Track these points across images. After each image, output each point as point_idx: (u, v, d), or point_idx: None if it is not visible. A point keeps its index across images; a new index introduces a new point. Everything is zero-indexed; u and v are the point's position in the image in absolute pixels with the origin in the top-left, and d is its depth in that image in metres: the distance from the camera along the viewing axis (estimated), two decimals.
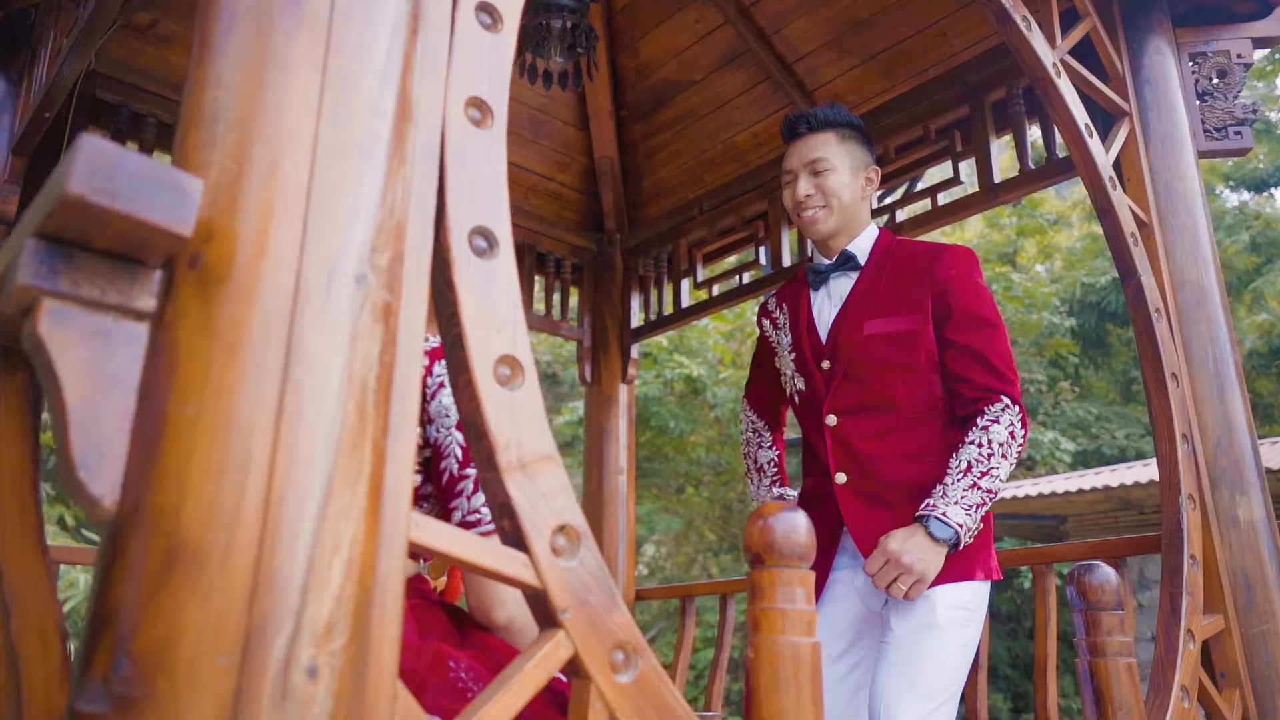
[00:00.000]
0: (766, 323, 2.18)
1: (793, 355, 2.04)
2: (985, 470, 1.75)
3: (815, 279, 2.05)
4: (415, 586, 1.05)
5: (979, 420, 1.81)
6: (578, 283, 3.83)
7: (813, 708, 1.01)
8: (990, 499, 1.76)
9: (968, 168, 2.77)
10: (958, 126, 2.79)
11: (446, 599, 1.30)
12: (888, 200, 2.97)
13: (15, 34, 2.57)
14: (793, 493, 2.18)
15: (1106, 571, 1.55)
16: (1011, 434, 1.79)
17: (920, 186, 2.92)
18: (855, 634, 1.91)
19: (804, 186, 1.97)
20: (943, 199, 2.80)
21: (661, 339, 12.51)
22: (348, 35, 0.76)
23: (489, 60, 0.96)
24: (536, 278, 3.71)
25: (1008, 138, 2.71)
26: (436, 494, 1.05)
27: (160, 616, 0.60)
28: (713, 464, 12.96)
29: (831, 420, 1.93)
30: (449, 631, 1.00)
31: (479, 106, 0.94)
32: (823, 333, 2.00)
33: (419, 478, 1.04)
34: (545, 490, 0.87)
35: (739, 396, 10.39)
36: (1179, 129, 2.25)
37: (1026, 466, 12.76)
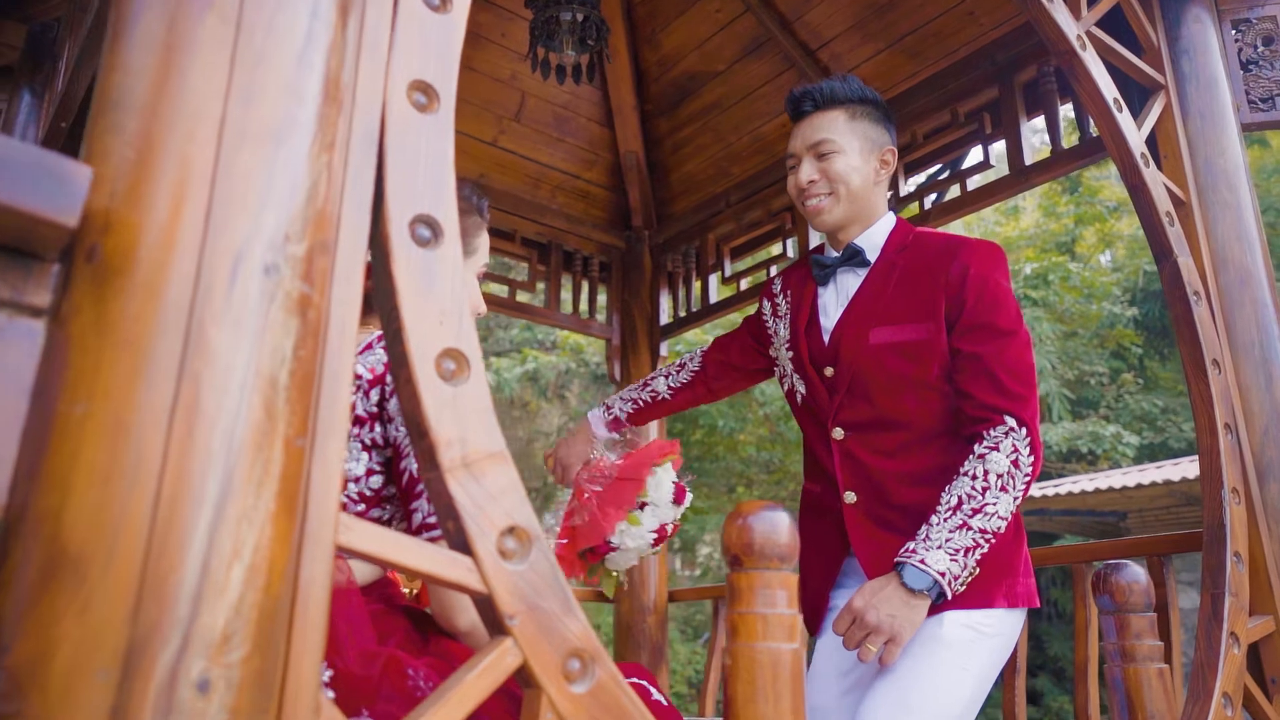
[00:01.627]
0: (767, 305, 1.99)
1: (790, 354, 1.85)
2: (978, 507, 1.52)
3: (821, 274, 1.85)
4: (380, 591, 1.02)
5: (977, 446, 1.59)
6: (606, 281, 3.79)
7: (793, 717, 0.95)
8: (986, 540, 1.52)
9: (996, 158, 2.67)
10: (987, 109, 2.69)
11: (421, 604, 1.27)
12: (915, 187, 2.88)
13: (40, 47, 2.61)
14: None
15: (1135, 571, 1.46)
16: (1015, 463, 1.55)
17: (945, 176, 2.82)
18: (860, 667, 1.72)
19: (807, 171, 1.77)
20: (973, 183, 2.69)
21: (708, 338, 12.42)
22: (259, 16, 0.72)
23: (436, 42, 0.92)
24: (564, 276, 3.68)
25: (1039, 120, 2.59)
26: (399, 495, 1.02)
27: (38, 628, 0.57)
28: (764, 463, 12.84)
29: (839, 434, 1.74)
30: (410, 638, 0.96)
31: (424, 90, 0.90)
32: (826, 335, 1.80)
33: (380, 479, 1.01)
34: (492, 490, 0.83)
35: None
36: (1220, 101, 2.13)
37: (1088, 461, 12.40)
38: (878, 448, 1.71)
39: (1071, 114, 2.50)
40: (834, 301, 1.83)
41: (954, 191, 2.75)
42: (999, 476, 1.54)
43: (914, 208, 2.89)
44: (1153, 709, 1.38)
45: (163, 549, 0.59)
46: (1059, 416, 12.50)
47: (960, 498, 1.54)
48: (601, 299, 3.78)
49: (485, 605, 0.81)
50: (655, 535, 1.70)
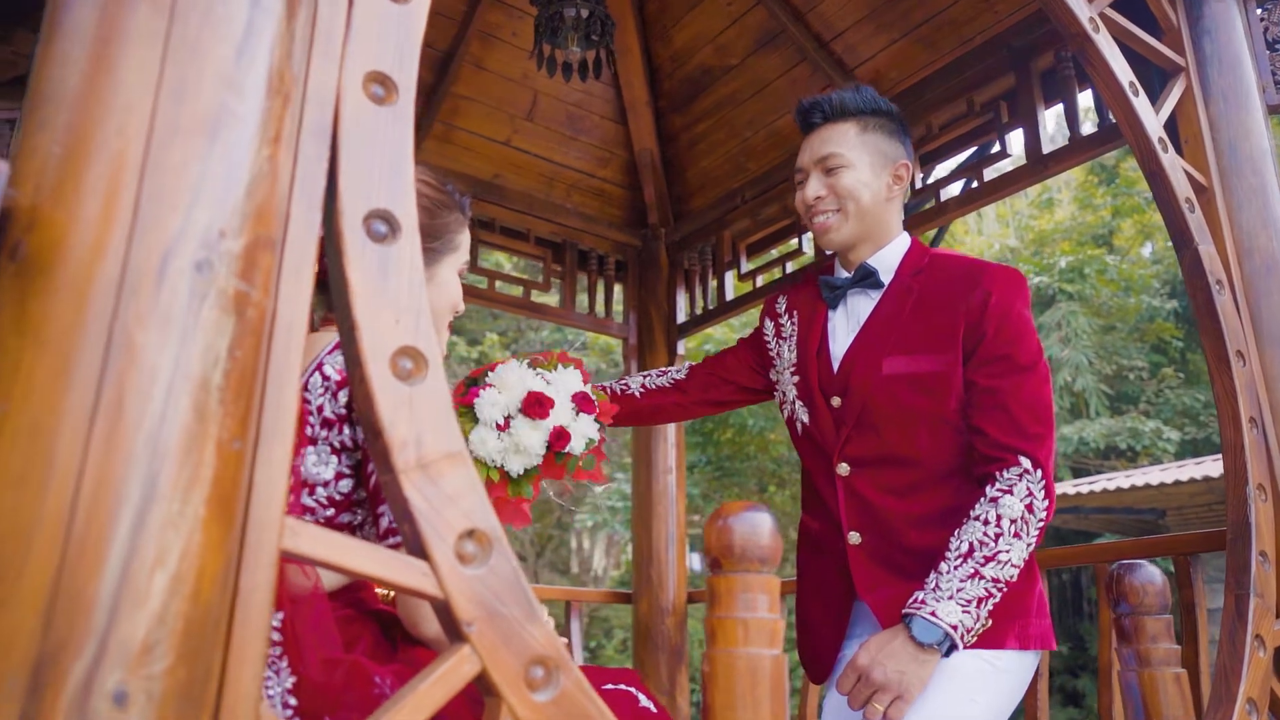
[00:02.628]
0: (769, 325, 1.86)
1: (795, 379, 1.74)
2: (991, 555, 1.43)
3: (831, 295, 1.73)
4: (350, 596, 1.00)
5: (989, 489, 1.49)
6: (622, 279, 3.76)
7: None
8: (999, 589, 1.43)
9: (1013, 148, 2.60)
10: (1004, 98, 2.62)
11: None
12: (931, 180, 2.82)
13: None
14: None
15: (1150, 571, 1.40)
16: (1029, 507, 1.46)
17: (962, 167, 2.75)
18: None
19: (814, 187, 1.67)
20: (990, 173, 2.62)
21: (736, 335, 12.35)
22: (194, 6, 0.70)
23: (395, 33, 0.90)
24: (580, 276, 3.66)
25: (1060, 110, 2.52)
26: (368, 499, 1.00)
27: None
28: (795, 462, 12.74)
29: (844, 469, 1.64)
30: (379, 645, 0.94)
31: (382, 83, 0.87)
32: (835, 363, 1.69)
33: (350, 482, 0.99)
34: (450, 492, 0.80)
35: None
36: (1244, 83, 2.05)
37: (1127, 458, 12.16)
38: (886, 486, 1.60)
39: (1091, 102, 2.43)
40: (844, 326, 1.73)
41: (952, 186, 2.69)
42: (1012, 522, 1.45)
43: (928, 201, 2.82)
44: (1169, 715, 1.32)
45: (79, 556, 0.57)
46: (1096, 412, 12.28)
47: (972, 544, 1.45)
48: (618, 298, 3.76)
49: (442, 611, 0.79)
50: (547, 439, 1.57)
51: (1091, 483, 8.34)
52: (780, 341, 1.81)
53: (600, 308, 3.68)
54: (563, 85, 3.36)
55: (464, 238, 1.28)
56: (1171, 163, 1.86)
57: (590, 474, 1.66)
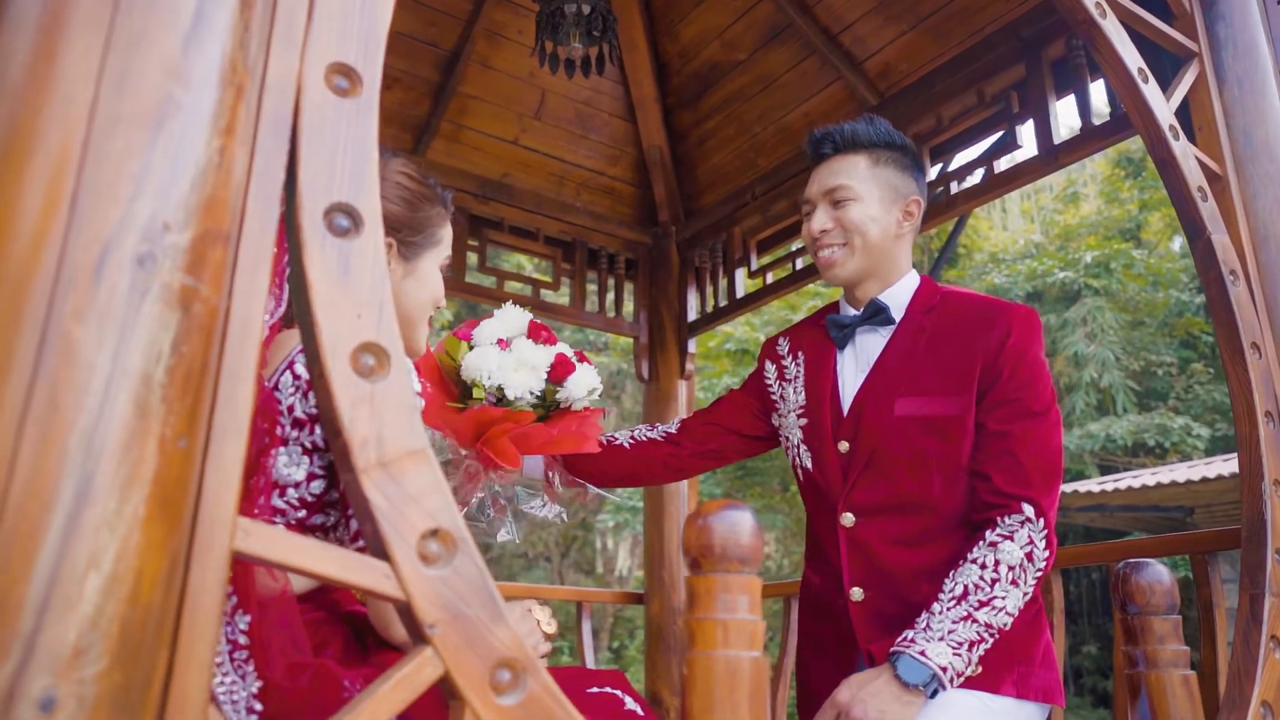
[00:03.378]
0: (771, 368, 1.78)
1: (802, 422, 1.66)
2: (986, 600, 1.39)
3: (839, 335, 1.67)
4: (322, 598, 0.98)
5: (988, 533, 1.44)
6: (633, 278, 3.74)
7: None
8: (991, 635, 1.39)
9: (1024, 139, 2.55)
10: (1015, 88, 2.57)
11: None
12: (942, 172, 2.77)
13: None
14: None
15: (1157, 570, 1.36)
16: (1029, 555, 1.42)
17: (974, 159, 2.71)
18: None
19: (820, 219, 1.62)
20: (1001, 165, 2.58)
21: (759, 334, 12.29)
22: None
23: (359, 23, 0.88)
24: (590, 274, 3.64)
25: (1072, 101, 2.47)
26: (340, 500, 0.98)
27: None
28: None
29: (848, 520, 1.56)
30: (350, 648, 0.93)
31: (346, 74, 0.86)
32: (845, 404, 1.62)
33: (322, 483, 0.98)
34: (412, 491, 0.79)
35: None
36: (1260, 67, 1.99)
37: (1156, 455, 11.98)
38: (893, 536, 1.54)
39: (1104, 90, 2.38)
40: (853, 366, 1.66)
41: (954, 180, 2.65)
42: (1010, 569, 1.41)
43: (938, 192, 2.78)
44: (1177, 718, 1.28)
45: (5, 558, 0.55)
46: (1124, 409, 12.12)
47: (967, 587, 1.41)
48: (629, 297, 3.74)
49: (404, 613, 0.77)
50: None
51: (1117, 480, 8.22)
52: (784, 384, 1.74)
53: (610, 306, 3.66)
54: (571, 83, 3.34)
55: (446, 232, 1.27)
56: (1183, 151, 1.81)
57: (588, 432, 1.63)
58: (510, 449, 1.51)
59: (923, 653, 1.35)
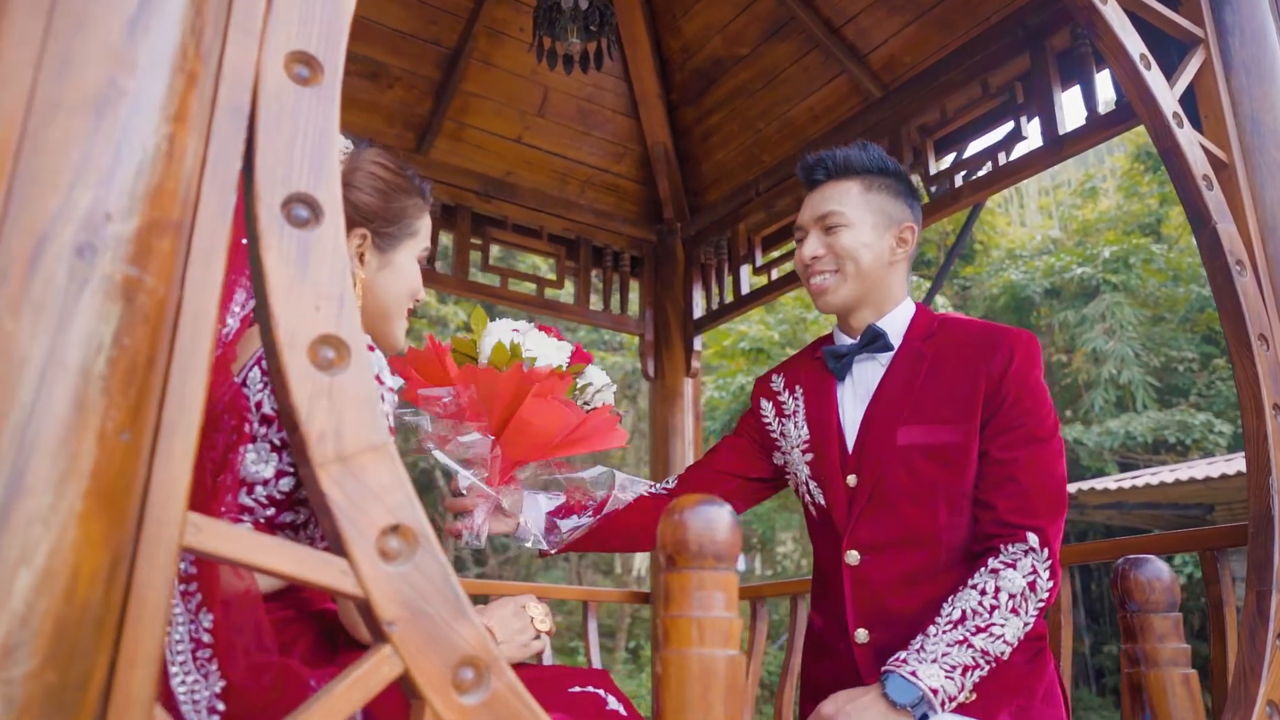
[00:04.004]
0: (768, 406, 1.73)
1: (808, 458, 1.61)
2: (984, 626, 1.35)
3: (837, 365, 1.63)
4: (292, 597, 0.97)
5: (990, 560, 1.41)
6: (638, 275, 3.72)
7: None
8: (987, 662, 1.35)
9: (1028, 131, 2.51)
10: (1019, 79, 2.53)
11: None
12: (946, 166, 2.74)
13: None
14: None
15: (1157, 566, 1.32)
16: (1031, 585, 1.38)
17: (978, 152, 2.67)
18: None
19: (812, 245, 1.59)
20: (1002, 157, 2.54)
21: (774, 332, 12.23)
22: None
23: (321, 11, 0.86)
24: (595, 272, 3.63)
25: (1077, 93, 2.43)
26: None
27: None
28: None
29: (853, 558, 1.51)
30: (317, 647, 0.91)
31: (307, 63, 0.84)
32: (850, 436, 1.58)
33: (292, 480, 0.96)
34: (372, 486, 0.77)
35: None
36: (1268, 53, 1.95)
37: (1177, 452, 11.84)
38: (898, 574, 1.49)
39: (1110, 81, 2.34)
40: (852, 397, 1.62)
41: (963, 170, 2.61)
42: (1011, 596, 1.37)
43: (940, 187, 2.74)
44: (1178, 717, 1.25)
45: None
46: (1144, 405, 11.99)
47: (965, 612, 1.37)
48: (634, 294, 3.72)
49: (363, 610, 0.75)
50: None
51: (1135, 477, 8.12)
52: (783, 420, 1.69)
53: (616, 304, 3.64)
54: (573, 80, 3.33)
55: (423, 223, 1.25)
56: (1188, 139, 1.77)
57: (606, 428, 1.58)
58: (560, 410, 1.46)
59: (914, 673, 1.32)
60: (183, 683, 0.79)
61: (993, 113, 2.61)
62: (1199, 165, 1.77)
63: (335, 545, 0.75)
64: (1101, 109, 2.34)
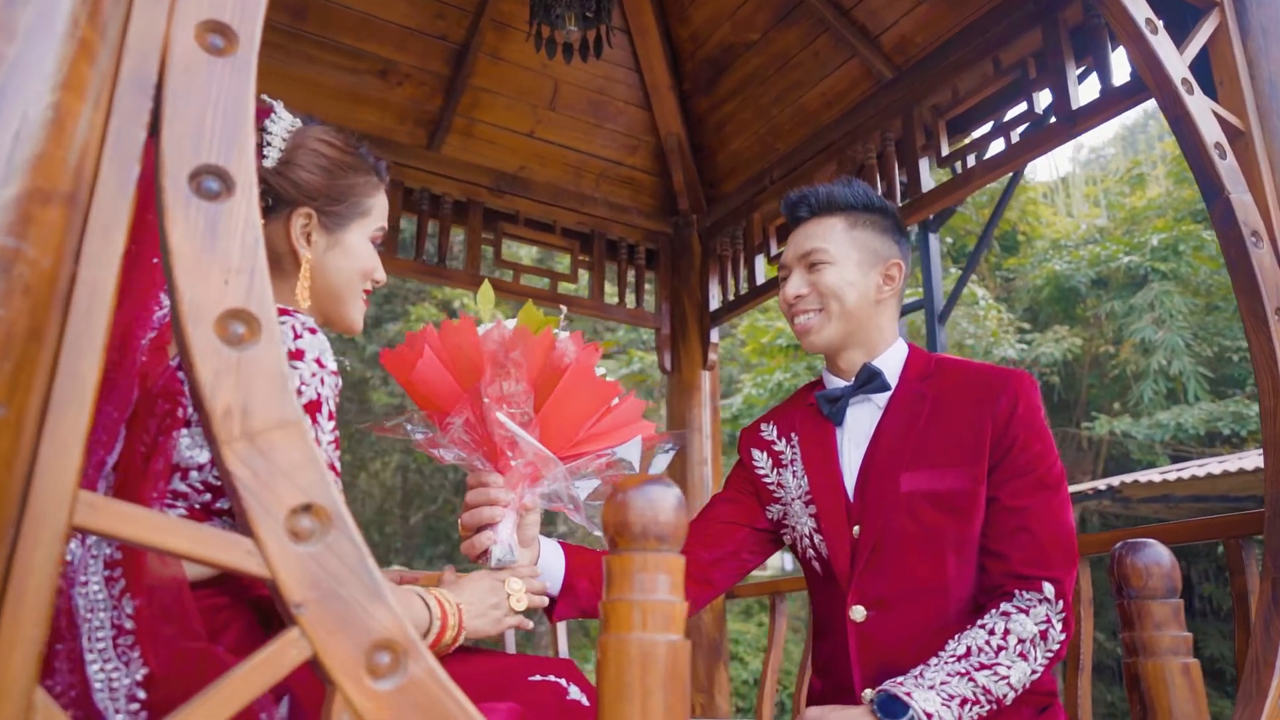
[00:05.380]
0: (761, 456, 1.65)
1: (811, 509, 1.54)
2: (988, 663, 1.30)
3: (831, 409, 1.57)
4: (228, 584, 0.95)
5: (1003, 604, 1.36)
6: (654, 268, 3.68)
7: (663, 719, 0.83)
8: (988, 700, 1.29)
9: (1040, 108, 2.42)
10: (1031, 55, 2.45)
11: None
12: (957, 147, 2.66)
13: None
14: None
15: (1156, 551, 1.26)
16: (1043, 634, 1.33)
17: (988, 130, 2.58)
18: None
19: (795, 284, 1.55)
20: (1015, 135, 2.46)
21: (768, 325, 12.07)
22: None
23: None
24: (610, 266, 3.59)
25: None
26: None
27: None
28: None
29: (858, 614, 1.45)
30: (249, 634, 0.89)
31: (221, 32, 0.82)
32: (850, 485, 1.52)
33: None
34: (282, 465, 0.75)
35: None
36: None
37: (1232, 444, 11.49)
38: (908, 631, 1.42)
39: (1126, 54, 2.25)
40: (850, 442, 1.55)
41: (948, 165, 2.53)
42: (1021, 641, 1.32)
43: (948, 169, 2.67)
44: (1178, 710, 1.18)
45: None
46: (1196, 396, 11.66)
47: (970, 648, 1.32)
48: (650, 287, 3.68)
49: (272, 591, 0.73)
50: None
51: (1181, 469, 7.87)
52: (780, 470, 1.62)
53: (631, 298, 3.60)
54: (583, 73, 3.30)
55: (375, 202, 1.22)
56: (1198, 106, 1.69)
57: (633, 416, 1.47)
58: (601, 387, 1.35)
59: (909, 694, 1.27)
60: (100, 670, 0.78)
61: (1005, 91, 2.53)
62: (1211, 133, 1.69)
63: (243, 525, 0.73)
64: (1117, 83, 2.25)
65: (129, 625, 0.80)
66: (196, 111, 0.78)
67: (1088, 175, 18.16)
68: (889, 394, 1.54)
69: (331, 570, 0.74)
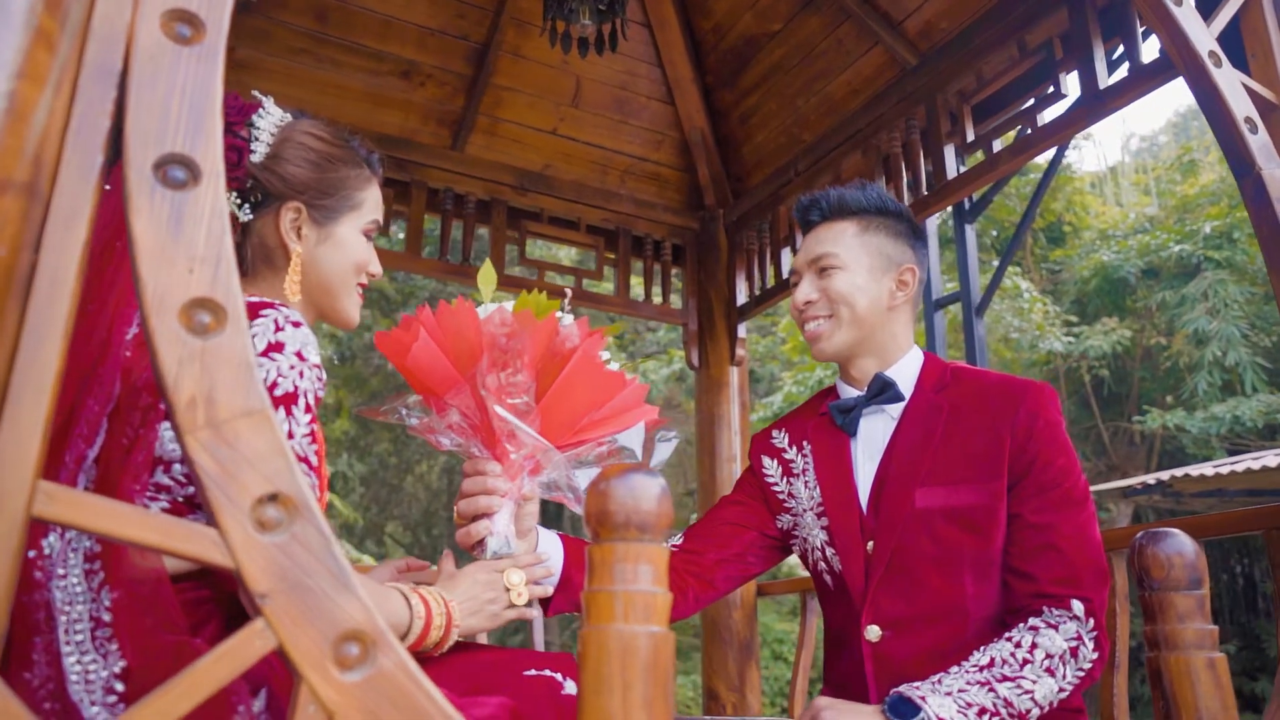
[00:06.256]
0: (771, 464, 1.61)
1: (824, 522, 1.50)
2: (1011, 676, 1.25)
3: (844, 420, 1.52)
4: (211, 578, 0.94)
5: (1031, 619, 1.31)
6: (681, 264, 3.66)
7: (644, 712, 0.81)
8: (1009, 714, 1.24)
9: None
10: (1058, 36, 2.38)
11: None
12: (983, 132, 2.59)
13: None
14: None
15: (1179, 541, 1.20)
16: (1074, 651, 1.28)
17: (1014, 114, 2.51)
18: None
19: (804, 290, 1.51)
20: (1041, 118, 2.39)
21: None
22: None
23: None
24: (635, 263, 3.57)
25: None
26: None
27: None
28: None
29: (873, 634, 1.41)
30: (228, 629, 0.89)
31: (188, 21, 0.82)
32: (863, 499, 1.48)
33: None
34: (247, 454, 0.74)
35: None
36: None
37: None
38: (925, 652, 1.37)
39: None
40: (863, 454, 1.51)
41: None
42: (1049, 656, 1.27)
43: (977, 156, 2.60)
44: (1203, 707, 1.13)
45: None
46: (1253, 388, 11.32)
47: (994, 659, 1.27)
48: (676, 284, 3.66)
49: (239, 583, 0.72)
50: None
51: (1235, 462, 7.62)
52: (791, 479, 1.58)
53: (657, 294, 3.58)
54: (605, 68, 3.29)
55: (367, 195, 1.21)
56: (1227, 80, 1.63)
57: (635, 401, 1.44)
58: (607, 377, 1.31)
59: (923, 698, 1.23)
60: (77, 662, 0.78)
61: (1030, 73, 2.46)
62: (1241, 107, 1.62)
63: (208, 515, 0.72)
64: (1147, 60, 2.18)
65: (107, 618, 0.80)
66: (162, 100, 0.78)
67: (1138, 164, 17.73)
68: (903, 405, 1.50)
69: (298, 560, 0.73)
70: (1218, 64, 1.63)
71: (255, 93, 1.18)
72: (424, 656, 1.14)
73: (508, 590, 1.18)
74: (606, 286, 3.65)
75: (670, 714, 0.82)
